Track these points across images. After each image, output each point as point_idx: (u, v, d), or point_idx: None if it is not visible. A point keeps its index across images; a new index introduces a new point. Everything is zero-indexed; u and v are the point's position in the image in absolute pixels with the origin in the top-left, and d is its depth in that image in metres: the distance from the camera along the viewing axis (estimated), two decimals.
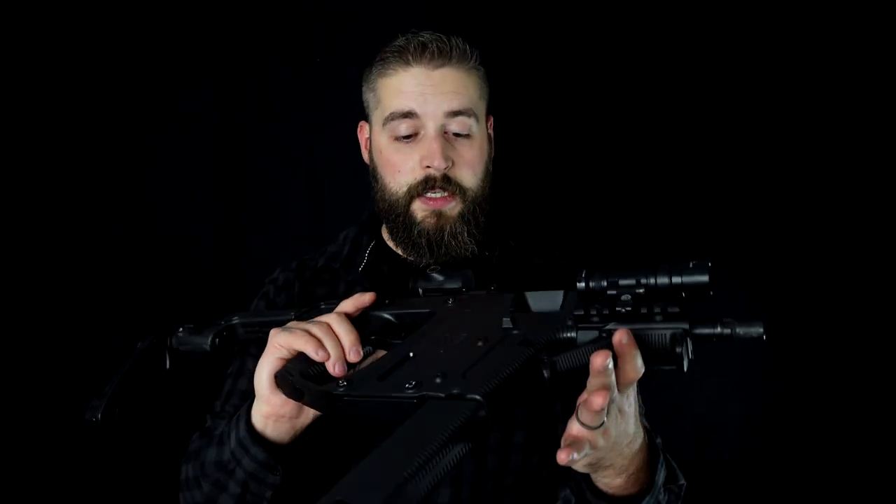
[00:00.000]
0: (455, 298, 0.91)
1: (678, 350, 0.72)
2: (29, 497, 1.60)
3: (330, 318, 0.90)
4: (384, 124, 1.13)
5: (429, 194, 1.12)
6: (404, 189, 1.13)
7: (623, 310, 0.75)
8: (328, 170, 1.69)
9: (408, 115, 1.11)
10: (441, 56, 1.11)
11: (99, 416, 1.03)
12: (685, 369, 0.72)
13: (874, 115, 1.54)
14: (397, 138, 1.12)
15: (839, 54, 1.54)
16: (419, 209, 1.13)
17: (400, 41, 1.14)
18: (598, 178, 1.67)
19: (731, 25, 1.58)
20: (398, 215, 1.14)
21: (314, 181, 1.70)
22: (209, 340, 1.05)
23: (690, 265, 0.74)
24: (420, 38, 1.12)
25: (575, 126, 1.67)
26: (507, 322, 0.80)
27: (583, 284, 0.79)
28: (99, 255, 1.67)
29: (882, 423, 1.56)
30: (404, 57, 1.12)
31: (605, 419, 0.75)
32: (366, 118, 1.23)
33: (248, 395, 1.04)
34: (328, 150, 1.68)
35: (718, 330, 0.74)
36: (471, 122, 1.13)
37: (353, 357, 0.87)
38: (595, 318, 0.77)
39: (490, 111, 1.22)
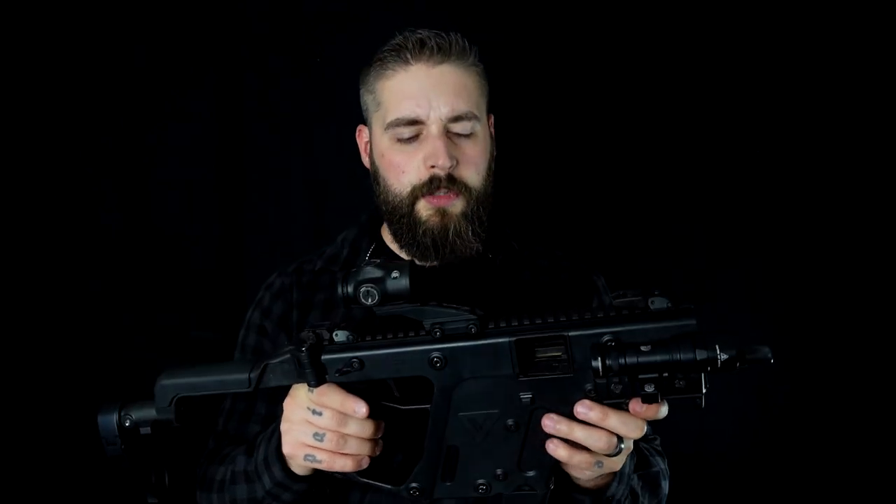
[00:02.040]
0: (442, 358, 0.84)
1: (697, 402, 0.76)
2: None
3: (349, 427, 0.88)
4: (386, 129, 1.12)
5: (433, 194, 1.11)
6: (408, 189, 1.11)
7: (648, 389, 0.76)
8: (329, 170, 1.67)
9: (412, 122, 1.09)
10: (440, 52, 1.09)
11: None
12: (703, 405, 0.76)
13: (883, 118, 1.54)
14: (400, 140, 1.11)
15: (850, 57, 1.55)
16: (423, 208, 1.11)
17: (397, 39, 1.12)
18: (599, 176, 1.66)
19: (739, 22, 1.58)
20: (402, 216, 1.12)
21: (315, 181, 1.68)
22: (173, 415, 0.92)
23: (718, 344, 0.74)
24: (418, 35, 1.11)
25: (575, 124, 1.66)
26: (526, 398, 0.83)
27: (598, 364, 0.76)
28: (98, 256, 1.65)
29: (883, 424, 1.56)
30: (403, 55, 1.10)
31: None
32: (364, 121, 1.22)
33: (248, 417, 1.12)
34: (329, 150, 1.66)
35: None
36: (472, 123, 1.11)
37: (377, 452, 0.92)
38: (617, 389, 0.78)
39: (490, 109, 1.21)
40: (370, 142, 1.19)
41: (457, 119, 1.10)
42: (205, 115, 1.67)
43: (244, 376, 0.88)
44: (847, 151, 1.55)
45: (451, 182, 1.09)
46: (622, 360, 0.75)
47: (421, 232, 1.11)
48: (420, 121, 1.09)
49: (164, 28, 1.65)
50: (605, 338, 0.78)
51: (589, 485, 0.94)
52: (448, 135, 1.10)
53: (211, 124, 1.67)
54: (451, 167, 1.08)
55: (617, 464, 0.88)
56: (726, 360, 0.73)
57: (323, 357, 0.86)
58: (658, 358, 0.74)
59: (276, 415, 0.97)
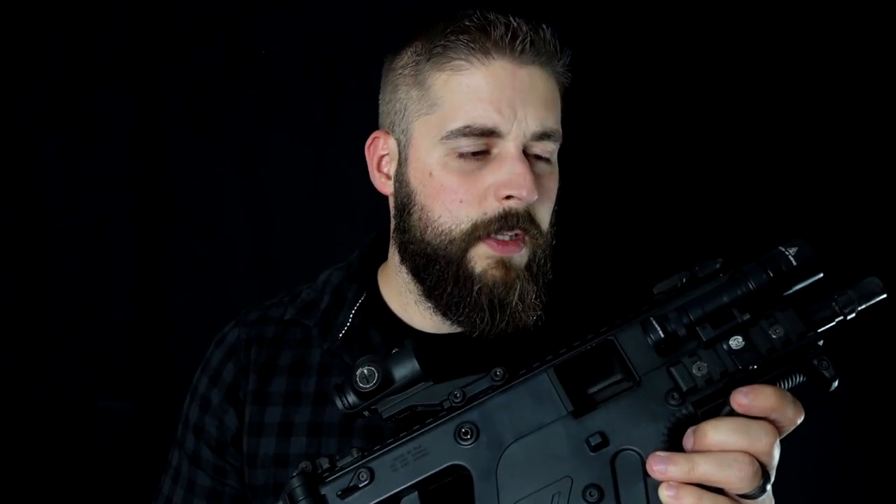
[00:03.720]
0: (472, 425, 0.72)
1: (827, 376, 0.68)
2: None
3: None
4: (445, 138, 0.92)
5: (499, 235, 0.92)
6: (466, 226, 0.92)
7: (736, 365, 0.67)
8: (276, 192, 1.51)
9: (486, 133, 0.91)
10: (533, 49, 0.92)
11: None
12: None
13: None
14: (461, 156, 0.92)
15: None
16: (481, 256, 0.92)
17: (473, 20, 0.93)
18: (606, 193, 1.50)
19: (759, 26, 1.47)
20: (449, 263, 0.93)
21: (257, 207, 1.51)
22: None
23: (789, 251, 0.69)
24: (504, 20, 0.92)
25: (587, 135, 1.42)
26: (596, 442, 0.68)
27: (660, 333, 0.68)
28: None
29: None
30: (482, 44, 0.91)
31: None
32: (382, 126, 1.03)
33: (192, 488, 1.02)
34: (275, 167, 1.50)
35: (840, 317, 0.69)
36: (555, 147, 0.96)
37: None
38: (707, 387, 0.67)
39: None
40: (404, 156, 0.99)
41: (542, 137, 0.93)
42: (118, 123, 1.48)
43: None
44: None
45: (529, 222, 0.92)
46: (686, 318, 0.68)
47: (475, 290, 0.92)
48: (497, 133, 0.91)
49: (64, 11, 1.46)
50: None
51: None
52: (526, 157, 0.93)
53: (125, 133, 1.49)
54: (534, 201, 0.92)
55: None
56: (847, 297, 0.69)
57: (323, 487, 0.74)
58: (726, 297, 0.68)
59: (224, 475, 0.97)
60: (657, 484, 0.64)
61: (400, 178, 0.98)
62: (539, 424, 0.70)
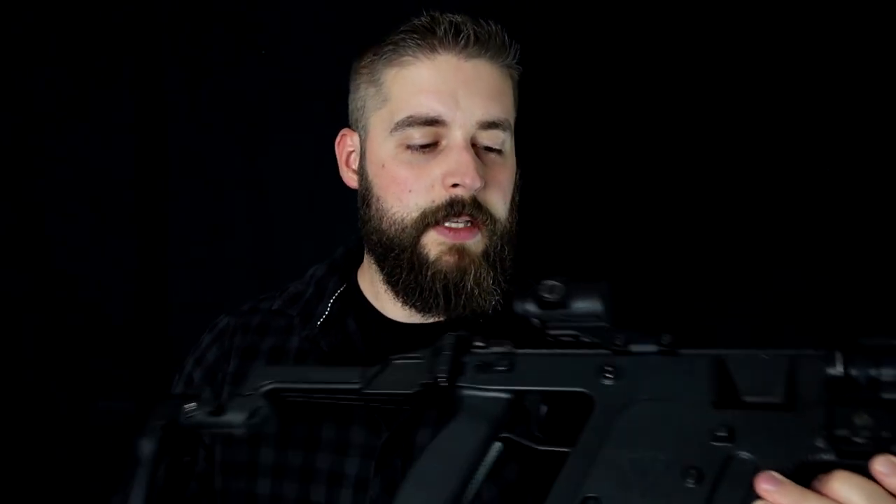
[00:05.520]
0: (615, 368, 0.72)
1: None
2: None
3: None
4: (393, 130, 0.97)
5: (449, 223, 0.96)
6: (416, 215, 0.96)
7: None
8: (278, 191, 1.50)
9: (433, 122, 0.95)
10: (477, 44, 0.97)
11: None
12: None
13: None
14: (410, 147, 0.96)
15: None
16: (434, 243, 0.96)
17: (421, 20, 0.99)
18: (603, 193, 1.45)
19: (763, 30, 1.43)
20: (403, 250, 0.97)
21: (258, 207, 1.49)
22: (244, 419, 0.81)
23: None
24: (450, 18, 0.98)
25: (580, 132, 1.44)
26: (721, 435, 0.65)
27: (840, 369, 0.62)
28: None
29: None
30: (428, 41, 0.97)
31: None
32: (350, 124, 1.08)
33: None
34: (278, 166, 1.49)
35: None
36: (505, 136, 0.99)
37: None
38: (863, 442, 0.60)
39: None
40: (363, 150, 1.05)
41: (489, 126, 0.97)
42: (118, 123, 1.48)
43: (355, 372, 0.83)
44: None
45: (476, 208, 0.95)
46: (875, 371, 0.61)
47: (429, 275, 0.96)
48: (442, 121, 0.96)
49: (64, 10, 1.46)
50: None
51: None
52: (475, 148, 0.97)
53: (125, 133, 1.49)
54: (479, 188, 0.95)
55: None
56: None
57: (468, 357, 0.77)
58: None
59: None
60: (756, 499, 0.61)
61: (362, 172, 1.03)
62: (678, 397, 0.69)
